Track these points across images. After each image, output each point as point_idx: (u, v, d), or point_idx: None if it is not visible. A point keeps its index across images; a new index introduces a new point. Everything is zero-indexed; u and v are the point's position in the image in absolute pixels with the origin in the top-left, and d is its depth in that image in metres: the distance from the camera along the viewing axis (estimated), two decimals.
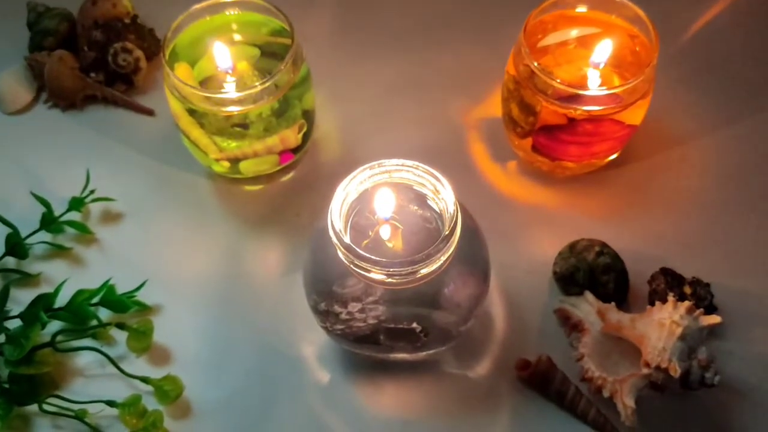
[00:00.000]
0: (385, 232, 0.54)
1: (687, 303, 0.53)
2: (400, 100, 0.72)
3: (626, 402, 0.53)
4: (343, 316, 0.53)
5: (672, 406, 0.56)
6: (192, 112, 0.61)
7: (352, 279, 0.53)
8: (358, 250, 0.49)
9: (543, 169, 0.67)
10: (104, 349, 0.59)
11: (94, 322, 0.59)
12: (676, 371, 0.51)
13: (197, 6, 0.61)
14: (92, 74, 0.72)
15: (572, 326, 0.58)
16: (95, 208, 0.67)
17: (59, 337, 0.58)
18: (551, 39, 0.63)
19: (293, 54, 0.59)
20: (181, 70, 0.61)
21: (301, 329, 0.61)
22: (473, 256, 0.55)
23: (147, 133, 0.71)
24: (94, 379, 0.59)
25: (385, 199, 0.53)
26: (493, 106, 0.71)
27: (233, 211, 0.67)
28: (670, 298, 0.54)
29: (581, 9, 0.63)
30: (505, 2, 0.73)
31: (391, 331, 0.54)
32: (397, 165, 0.53)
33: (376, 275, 0.50)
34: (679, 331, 0.52)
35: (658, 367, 0.52)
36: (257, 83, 0.58)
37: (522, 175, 0.68)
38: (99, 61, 0.72)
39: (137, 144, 0.70)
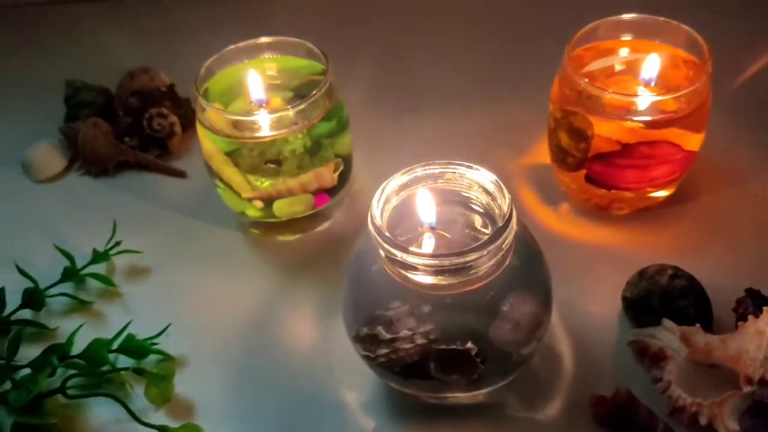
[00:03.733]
0: (429, 242, 0.49)
1: None
2: (441, 153, 0.68)
3: (729, 426, 0.44)
4: (387, 335, 0.46)
5: None
6: (227, 155, 0.59)
7: (395, 302, 0.47)
8: (402, 245, 0.44)
9: (599, 204, 0.62)
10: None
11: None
12: None
13: (232, 46, 0.60)
14: (126, 139, 0.71)
15: (652, 357, 0.51)
16: (121, 263, 0.63)
17: (71, 383, 0.52)
18: (596, 65, 0.61)
19: (326, 82, 0.57)
20: (214, 113, 0.59)
21: (341, 374, 0.54)
22: (534, 276, 0.49)
23: (179, 195, 0.69)
24: None
25: (428, 201, 0.48)
26: (538, 154, 0.68)
27: (266, 261, 0.62)
28: (765, 309, 0.47)
29: (626, 37, 0.61)
30: (540, 57, 0.71)
31: (443, 355, 0.47)
32: (443, 166, 0.49)
33: (424, 277, 0.45)
34: None
35: (762, 381, 0.44)
36: (289, 107, 0.56)
37: (576, 216, 0.63)
38: (134, 126, 0.71)
39: (168, 204, 0.68)
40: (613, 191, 0.60)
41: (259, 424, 0.52)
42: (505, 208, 0.45)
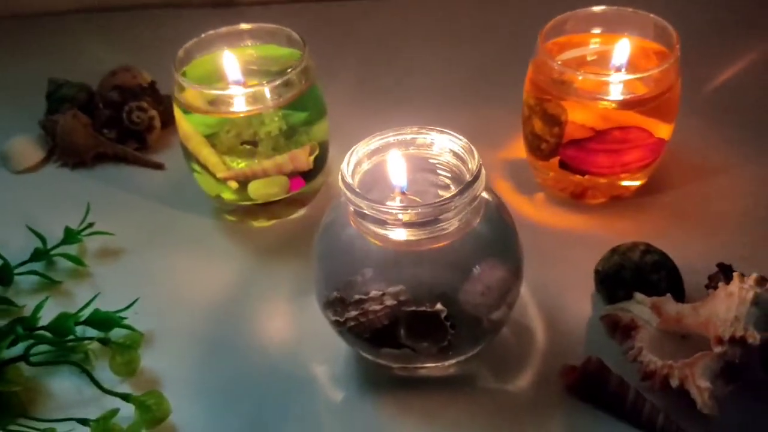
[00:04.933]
0: None
1: (755, 275, 0.46)
2: None
3: (700, 384, 0.43)
4: (357, 296, 0.46)
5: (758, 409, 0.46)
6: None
7: (366, 267, 0.47)
8: (371, 200, 0.44)
9: (574, 192, 0.63)
10: (83, 372, 0.51)
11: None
12: (755, 338, 0.43)
13: (212, 31, 0.61)
14: (105, 131, 0.71)
15: (624, 330, 0.50)
16: (93, 246, 0.62)
17: (35, 350, 0.51)
18: (568, 55, 0.62)
19: (303, 62, 0.58)
20: (191, 93, 0.60)
21: (312, 350, 0.53)
22: (505, 245, 0.49)
23: (155, 186, 0.69)
24: (68, 405, 0.51)
25: (400, 165, 0.48)
26: (514, 149, 0.68)
27: (241, 245, 0.62)
28: (736, 273, 0.47)
29: (596, 30, 0.62)
30: (516, 59, 0.73)
31: (413, 318, 0.46)
32: (415, 133, 0.49)
33: (393, 232, 0.44)
34: (751, 295, 0.44)
35: (732, 340, 0.44)
36: (264, 82, 0.56)
37: (551, 205, 0.64)
38: (113, 118, 0.71)
39: (144, 194, 0.68)
40: (587, 177, 0.61)
41: (227, 397, 0.51)
42: (474, 167, 0.46)
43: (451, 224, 0.44)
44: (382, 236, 0.45)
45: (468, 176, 0.46)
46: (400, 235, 0.45)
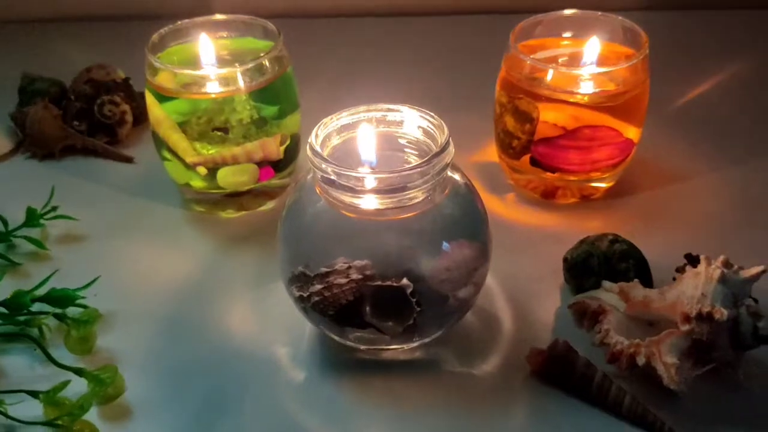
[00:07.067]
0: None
1: (722, 257, 0.46)
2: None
3: (667, 360, 0.43)
4: (323, 269, 0.45)
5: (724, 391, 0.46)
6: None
7: (332, 242, 0.46)
8: (338, 165, 0.44)
9: (545, 191, 0.63)
10: (37, 349, 0.49)
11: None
12: (721, 314, 0.42)
13: (187, 20, 0.62)
14: (75, 123, 0.70)
15: (592, 316, 0.50)
16: (56, 233, 0.61)
17: None
18: (540, 55, 0.63)
19: (276, 48, 0.59)
20: (164, 75, 0.59)
21: (275, 333, 0.52)
22: (473, 224, 0.49)
23: (124, 179, 0.68)
24: (21, 380, 0.49)
25: (369, 140, 0.48)
26: (486, 154, 0.69)
27: (208, 234, 0.61)
28: (703, 257, 0.47)
29: (567, 34, 0.64)
30: (489, 78, 0.74)
31: (378, 294, 0.45)
32: (385, 110, 0.49)
33: (359, 200, 0.44)
34: (717, 273, 0.44)
35: (699, 316, 0.43)
36: (236, 64, 0.57)
37: (521, 204, 0.64)
38: (84, 111, 0.70)
39: (112, 186, 0.67)
40: (557, 175, 0.61)
41: (185, 378, 0.49)
42: (442, 140, 0.45)
43: (419, 195, 0.44)
44: (349, 205, 0.44)
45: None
46: (367, 203, 0.44)
